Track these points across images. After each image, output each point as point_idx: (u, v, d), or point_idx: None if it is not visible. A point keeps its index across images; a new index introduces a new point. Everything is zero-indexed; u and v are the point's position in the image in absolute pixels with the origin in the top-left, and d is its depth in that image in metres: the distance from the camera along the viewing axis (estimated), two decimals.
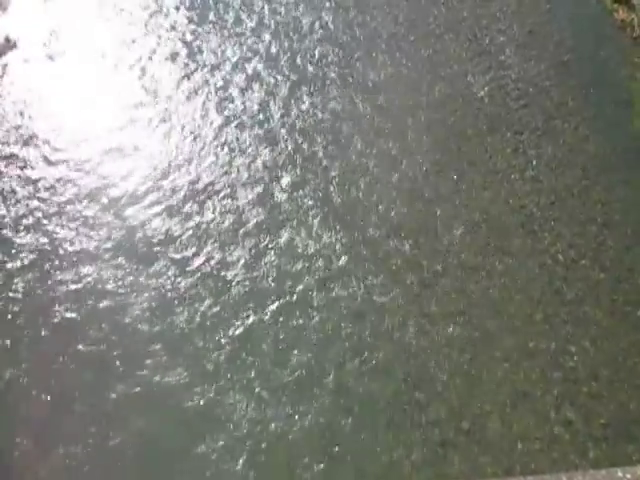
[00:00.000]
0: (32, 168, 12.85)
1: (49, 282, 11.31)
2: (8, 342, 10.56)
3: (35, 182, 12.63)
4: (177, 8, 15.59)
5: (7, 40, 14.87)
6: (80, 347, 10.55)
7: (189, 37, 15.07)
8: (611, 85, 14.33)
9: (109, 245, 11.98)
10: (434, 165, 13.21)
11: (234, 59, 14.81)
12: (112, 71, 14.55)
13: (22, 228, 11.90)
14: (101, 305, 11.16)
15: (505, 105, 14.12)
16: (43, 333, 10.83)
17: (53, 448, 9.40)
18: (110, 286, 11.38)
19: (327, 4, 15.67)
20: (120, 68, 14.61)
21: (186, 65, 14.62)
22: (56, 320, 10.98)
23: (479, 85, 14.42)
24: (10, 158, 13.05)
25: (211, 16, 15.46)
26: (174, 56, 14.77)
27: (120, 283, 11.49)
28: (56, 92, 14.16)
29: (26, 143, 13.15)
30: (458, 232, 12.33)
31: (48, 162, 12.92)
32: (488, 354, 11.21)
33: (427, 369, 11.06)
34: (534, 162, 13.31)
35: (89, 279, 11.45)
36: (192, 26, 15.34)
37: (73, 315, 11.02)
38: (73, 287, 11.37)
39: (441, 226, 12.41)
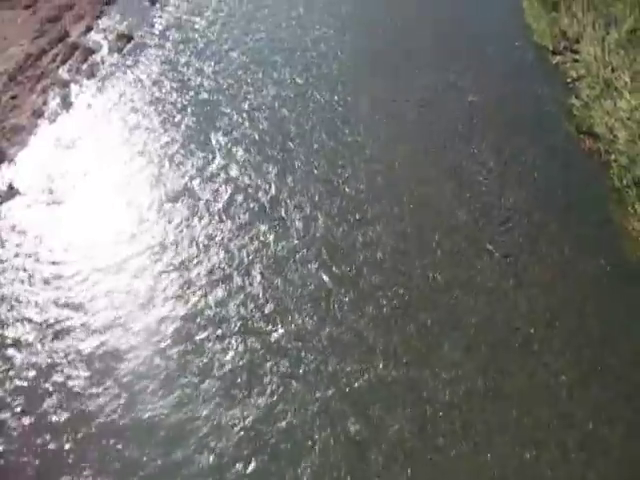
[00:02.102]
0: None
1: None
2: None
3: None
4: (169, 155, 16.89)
5: (10, 187, 15.64)
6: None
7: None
8: (589, 207, 14.95)
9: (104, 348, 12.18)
10: (426, 289, 13.31)
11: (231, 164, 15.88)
12: (108, 216, 15.17)
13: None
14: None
15: (490, 230, 14.58)
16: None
17: None
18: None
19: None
20: (117, 212, 15.29)
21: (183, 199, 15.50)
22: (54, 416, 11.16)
23: (462, 212, 15.00)
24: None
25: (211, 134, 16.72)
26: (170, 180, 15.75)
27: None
28: (55, 236, 14.59)
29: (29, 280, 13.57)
30: (456, 355, 12.06)
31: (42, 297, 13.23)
32: None
33: None
34: (525, 283, 13.42)
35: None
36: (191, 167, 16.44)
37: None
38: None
39: (439, 350, 12.17)
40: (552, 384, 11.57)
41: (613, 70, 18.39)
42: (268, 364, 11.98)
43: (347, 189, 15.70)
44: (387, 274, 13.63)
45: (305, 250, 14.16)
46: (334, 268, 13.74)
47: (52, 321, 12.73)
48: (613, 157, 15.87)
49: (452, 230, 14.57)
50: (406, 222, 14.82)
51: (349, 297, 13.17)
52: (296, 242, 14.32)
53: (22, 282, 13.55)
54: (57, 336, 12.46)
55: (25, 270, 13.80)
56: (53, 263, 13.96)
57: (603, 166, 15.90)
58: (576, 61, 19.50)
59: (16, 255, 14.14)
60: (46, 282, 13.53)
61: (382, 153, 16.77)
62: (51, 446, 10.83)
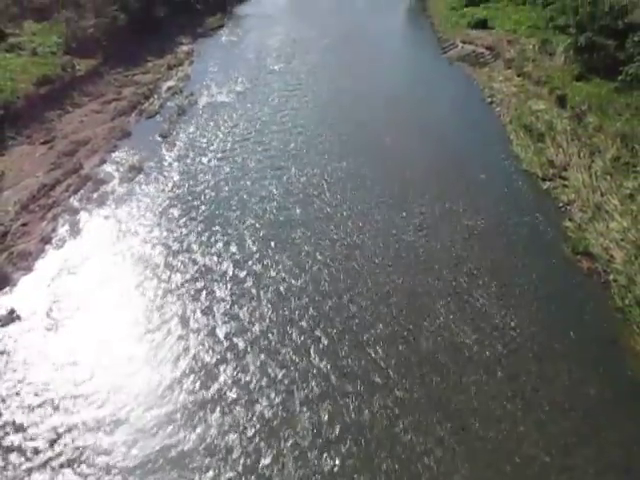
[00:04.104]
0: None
1: None
2: None
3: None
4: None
5: (11, 312, 15.58)
6: None
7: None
8: (593, 326, 14.80)
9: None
10: (431, 417, 12.74)
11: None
12: (105, 343, 14.87)
13: None
14: None
15: (495, 351, 14.30)
16: None
17: None
18: None
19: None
20: (114, 340, 15.05)
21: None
22: None
23: (465, 334, 14.81)
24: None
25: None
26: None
27: None
28: (51, 361, 14.27)
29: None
30: None
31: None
32: None
33: None
34: (536, 407, 12.90)
35: None
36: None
37: None
38: None
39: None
40: None
41: (602, 195, 19.19)
42: None
43: (350, 307, 15.69)
44: (390, 401, 13.16)
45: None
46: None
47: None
48: (612, 277, 16.01)
49: (456, 352, 14.29)
50: (409, 344, 14.58)
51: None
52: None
53: (11, 408, 13.10)
54: None
55: (17, 395, 13.37)
56: (46, 388, 13.55)
57: (603, 286, 15.99)
58: (566, 187, 20.43)
59: (8, 380, 13.76)
60: (35, 408, 13.05)
61: (383, 274, 16.99)
62: None
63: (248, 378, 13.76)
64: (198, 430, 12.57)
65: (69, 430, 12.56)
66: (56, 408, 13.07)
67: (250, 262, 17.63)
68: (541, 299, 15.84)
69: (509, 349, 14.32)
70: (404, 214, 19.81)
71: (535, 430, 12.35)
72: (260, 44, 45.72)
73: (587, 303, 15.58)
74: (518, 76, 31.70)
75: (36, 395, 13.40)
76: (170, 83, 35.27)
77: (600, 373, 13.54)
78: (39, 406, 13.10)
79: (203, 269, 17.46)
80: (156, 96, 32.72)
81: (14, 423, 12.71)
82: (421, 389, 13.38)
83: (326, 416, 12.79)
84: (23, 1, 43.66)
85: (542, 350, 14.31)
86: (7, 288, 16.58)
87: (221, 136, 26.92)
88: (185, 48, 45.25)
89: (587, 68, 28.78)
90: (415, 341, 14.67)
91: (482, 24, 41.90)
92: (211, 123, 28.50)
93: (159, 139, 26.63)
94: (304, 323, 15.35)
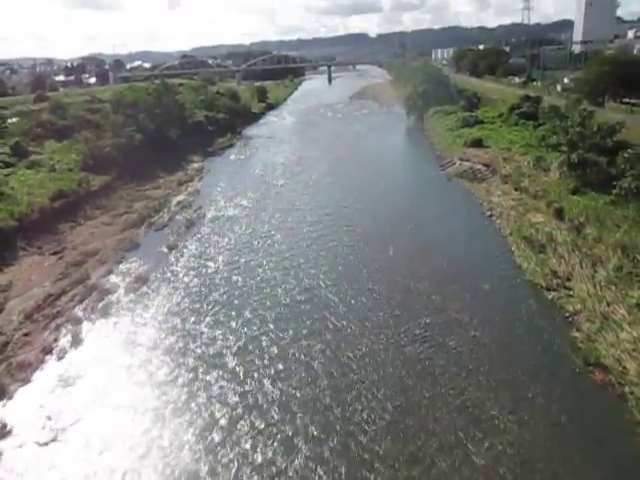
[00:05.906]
0: None
1: None
2: None
3: None
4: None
5: (3, 427, 14.93)
6: None
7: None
8: (613, 442, 13.95)
9: None
10: None
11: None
12: (98, 463, 14.13)
13: None
14: None
15: (511, 470, 13.40)
16: None
17: None
18: None
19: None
20: (109, 458, 14.40)
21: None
22: None
23: (479, 452, 13.98)
24: None
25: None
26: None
27: None
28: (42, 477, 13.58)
29: None
30: None
31: None
32: None
33: None
34: None
35: None
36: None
37: None
38: None
39: None
40: None
41: (608, 304, 19.03)
42: None
43: (353, 419, 15.03)
44: None
45: None
46: None
47: None
48: (628, 389, 15.41)
49: (471, 472, 13.40)
50: (419, 465, 13.71)
51: None
52: None
53: None
54: None
55: None
56: None
57: (619, 399, 15.30)
58: (570, 297, 20.31)
59: None
60: None
61: (387, 385, 16.43)
62: None
63: None
64: None
65: None
66: None
67: (258, 361, 17.28)
68: (556, 413, 15.12)
69: (525, 468, 13.46)
70: (408, 324, 19.56)
71: None
72: (267, 161, 48.22)
73: (605, 417, 14.82)
74: (515, 190, 32.89)
75: None
76: (180, 198, 36.76)
77: None
78: None
79: (203, 392, 16.71)
80: (166, 210, 33.94)
81: None
82: None
83: None
84: (46, 123, 46.94)
85: (561, 469, 13.44)
86: (2, 401, 16.07)
87: (226, 246, 27.49)
88: (196, 165, 47.74)
89: (582, 182, 29.95)
90: (426, 460, 13.83)
91: (478, 143, 44.43)
92: (218, 235, 29.24)
93: (166, 250, 27.19)
94: (299, 420, 14.77)
